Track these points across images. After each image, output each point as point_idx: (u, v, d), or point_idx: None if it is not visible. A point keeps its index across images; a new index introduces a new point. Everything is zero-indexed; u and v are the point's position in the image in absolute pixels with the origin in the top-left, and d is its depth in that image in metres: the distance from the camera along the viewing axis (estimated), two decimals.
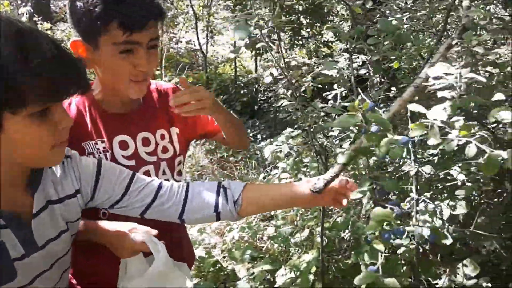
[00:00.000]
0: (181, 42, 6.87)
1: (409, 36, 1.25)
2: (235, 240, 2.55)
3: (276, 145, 2.13)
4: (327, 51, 5.32)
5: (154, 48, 1.07)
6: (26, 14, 4.64)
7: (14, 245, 0.86)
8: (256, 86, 5.98)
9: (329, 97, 1.80)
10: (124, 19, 0.99)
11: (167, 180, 1.19)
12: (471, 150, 0.79)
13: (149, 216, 1.04)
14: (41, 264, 0.93)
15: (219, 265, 2.24)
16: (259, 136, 4.74)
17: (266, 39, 1.39)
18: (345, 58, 1.99)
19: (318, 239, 1.87)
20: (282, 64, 1.53)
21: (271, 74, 1.47)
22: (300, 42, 5.18)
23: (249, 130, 4.91)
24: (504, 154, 0.70)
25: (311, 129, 1.45)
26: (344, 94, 1.79)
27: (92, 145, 1.16)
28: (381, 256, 1.07)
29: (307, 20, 5.05)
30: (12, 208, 0.85)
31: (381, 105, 1.91)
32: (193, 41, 6.69)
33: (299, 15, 4.86)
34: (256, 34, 1.30)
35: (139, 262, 1.06)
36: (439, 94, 0.90)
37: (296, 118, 1.67)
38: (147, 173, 1.18)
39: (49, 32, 5.50)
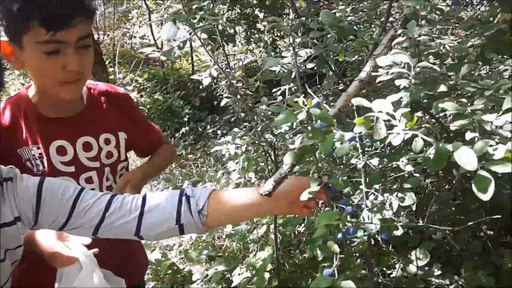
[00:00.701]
0: (135, 37, 6.68)
1: (352, 28, 1.23)
2: (193, 240, 2.50)
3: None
4: (284, 44, 5.32)
5: (86, 48, 0.99)
6: None
7: None
8: (215, 81, 5.91)
9: (278, 93, 1.77)
10: (45, 17, 0.91)
11: (110, 186, 1.17)
12: (418, 144, 0.77)
13: (103, 235, 0.92)
14: None
15: (176, 267, 2.19)
16: (219, 132, 4.68)
17: (202, 39, 1.36)
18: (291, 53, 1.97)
19: (273, 236, 1.85)
20: (225, 62, 1.50)
21: (210, 75, 1.42)
22: (257, 35, 5.14)
23: (208, 126, 4.84)
24: (451, 147, 0.68)
25: (258, 128, 1.42)
26: (293, 90, 1.77)
27: (27, 151, 1.09)
28: (335, 257, 1.04)
29: (263, 13, 5.02)
30: None
31: (332, 100, 1.90)
32: (148, 36, 6.52)
33: (254, 8, 4.82)
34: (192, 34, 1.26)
35: (73, 268, 1.01)
36: (397, 82, 0.88)
37: (241, 117, 1.64)
38: (89, 180, 1.13)
39: None
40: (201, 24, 1.33)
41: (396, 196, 1.40)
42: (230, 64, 1.57)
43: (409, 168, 1.43)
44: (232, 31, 5.08)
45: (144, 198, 0.92)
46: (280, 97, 1.63)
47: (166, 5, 5.86)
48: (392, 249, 1.77)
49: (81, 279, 0.98)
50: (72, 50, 0.96)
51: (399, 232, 1.40)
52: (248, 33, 5.01)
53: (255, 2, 4.84)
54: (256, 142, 1.47)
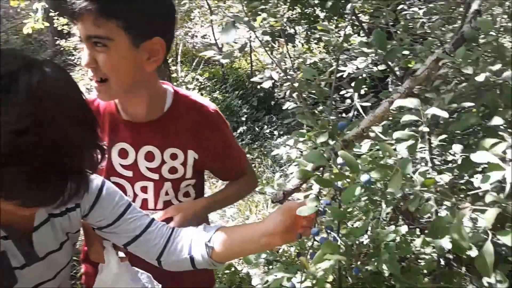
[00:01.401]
0: (196, 36, 6.81)
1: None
2: None
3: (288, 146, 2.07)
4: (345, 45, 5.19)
5: (102, 47, 0.95)
6: (41, 9, 4.63)
7: (16, 255, 0.89)
8: (273, 81, 5.90)
9: (347, 95, 1.72)
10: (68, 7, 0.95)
11: (169, 201, 1.16)
12: None
13: (132, 248, 1.01)
14: (44, 273, 0.96)
15: (234, 268, 2.20)
16: (276, 132, 4.66)
17: (264, 41, 1.32)
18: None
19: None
20: (289, 64, 1.46)
21: (271, 77, 1.39)
22: (317, 36, 5.06)
23: (265, 126, 4.83)
24: None
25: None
26: (363, 92, 1.71)
27: None
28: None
29: (324, 13, 4.93)
30: (13, 221, 0.86)
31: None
32: (209, 36, 6.63)
33: (315, 8, 4.74)
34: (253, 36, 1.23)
35: (108, 266, 1.07)
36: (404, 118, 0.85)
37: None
38: (144, 189, 1.13)
39: (65, 27, 5.52)
40: (261, 25, 1.30)
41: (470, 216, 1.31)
42: (293, 66, 1.53)
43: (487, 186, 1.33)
44: (292, 31, 5.04)
45: (172, 229, 1.02)
46: (349, 101, 1.57)
47: (227, 5, 5.92)
48: (465, 271, 1.66)
49: (116, 276, 1.04)
50: (85, 45, 0.96)
51: (473, 253, 1.31)
52: (309, 33, 4.93)
53: (316, 1, 4.77)
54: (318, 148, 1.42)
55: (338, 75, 1.63)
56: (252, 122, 5.06)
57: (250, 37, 1.31)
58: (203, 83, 5.50)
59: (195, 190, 1.20)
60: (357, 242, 2.04)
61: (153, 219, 1.02)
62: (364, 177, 0.85)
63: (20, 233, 0.89)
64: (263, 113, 5.25)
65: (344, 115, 2.15)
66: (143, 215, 1.02)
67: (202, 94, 5.70)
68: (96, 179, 0.98)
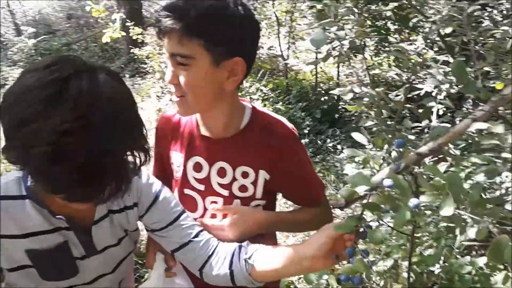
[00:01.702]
0: (262, 48, 6.88)
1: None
2: None
3: (359, 162, 1.98)
4: (417, 59, 4.99)
5: (183, 66, 0.97)
6: (119, 19, 4.91)
7: (76, 246, 0.96)
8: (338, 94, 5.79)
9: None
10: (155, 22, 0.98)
11: None
12: None
13: (179, 255, 1.04)
14: (103, 266, 1.02)
15: (293, 286, 2.15)
16: (339, 146, 4.55)
17: (346, 51, 1.27)
18: (444, 70, 1.79)
19: (404, 274, 1.69)
20: (366, 77, 1.40)
21: (352, 91, 1.33)
22: (387, 49, 4.90)
23: (328, 140, 4.73)
24: None
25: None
26: (442, 112, 1.60)
27: (175, 155, 1.18)
28: None
29: (395, 26, 4.77)
30: (76, 214, 0.93)
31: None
32: (275, 47, 6.67)
33: (386, 20, 4.60)
34: (337, 45, 1.19)
35: (151, 276, 1.12)
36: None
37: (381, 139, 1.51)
38: (214, 204, 1.13)
39: (139, 36, 5.81)
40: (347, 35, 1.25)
41: None
42: (370, 80, 1.46)
43: None
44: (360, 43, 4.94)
45: (218, 243, 1.04)
46: (426, 121, 1.48)
47: (294, 17, 5.93)
48: None
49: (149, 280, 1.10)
50: (170, 62, 0.99)
51: None
52: (379, 45, 4.80)
53: (388, 14, 4.64)
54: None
55: (416, 92, 1.54)
56: (314, 134, 4.98)
57: (332, 47, 1.26)
58: (266, 94, 5.51)
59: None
60: (426, 270, 1.93)
61: (202, 230, 1.05)
62: (413, 201, 0.79)
63: (81, 226, 0.95)
64: (327, 126, 5.15)
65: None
66: (194, 225, 1.05)
67: (265, 105, 5.73)
68: (156, 184, 1.04)
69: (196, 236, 1.03)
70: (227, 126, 1.10)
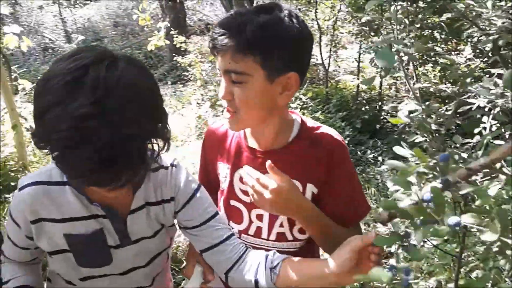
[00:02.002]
0: None
1: None
2: None
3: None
4: (463, 69, 4.81)
5: (237, 83, 0.97)
6: (164, 28, 5.04)
7: (112, 234, 0.98)
8: (380, 104, 5.66)
9: (475, 131, 1.54)
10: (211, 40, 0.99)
11: (283, 234, 1.12)
12: None
13: (208, 256, 1.05)
14: (136, 258, 1.03)
15: None
16: (380, 158, 4.44)
17: (403, 67, 1.22)
18: (495, 82, 1.71)
19: None
20: (416, 93, 1.34)
21: (395, 108, 1.28)
22: (433, 59, 4.76)
23: (369, 151, 4.63)
24: None
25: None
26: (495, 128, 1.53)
27: (222, 166, 1.18)
28: None
29: (442, 35, 4.62)
30: (113, 202, 0.95)
31: None
32: (315, 55, 6.63)
33: (433, 30, 4.47)
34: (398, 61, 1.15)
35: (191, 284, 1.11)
36: None
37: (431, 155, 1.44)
38: (260, 217, 1.12)
39: (183, 44, 5.94)
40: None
41: None
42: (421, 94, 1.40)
43: None
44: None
45: (246, 249, 1.04)
46: (478, 137, 1.41)
47: (337, 26, 5.87)
48: None
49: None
50: (223, 78, 0.99)
51: None
52: (424, 55, 4.66)
53: (434, 22, 4.50)
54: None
55: (467, 107, 1.47)
56: (354, 145, 4.88)
57: (403, 62, 1.23)
58: (306, 103, 5.48)
59: None
60: None
61: (232, 234, 1.05)
62: (452, 220, 0.74)
63: (117, 214, 0.97)
64: (367, 137, 5.05)
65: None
66: (226, 227, 1.05)
67: (304, 114, 5.69)
68: (194, 182, 1.05)
69: (227, 239, 1.04)
70: (275, 138, 1.09)
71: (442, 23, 4.06)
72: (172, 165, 1.03)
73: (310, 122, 1.13)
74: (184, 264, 2.50)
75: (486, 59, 4.72)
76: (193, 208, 1.03)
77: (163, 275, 1.16)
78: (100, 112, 0.72)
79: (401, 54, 1.30)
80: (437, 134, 1.44)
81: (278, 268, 0.98)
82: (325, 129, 1.12)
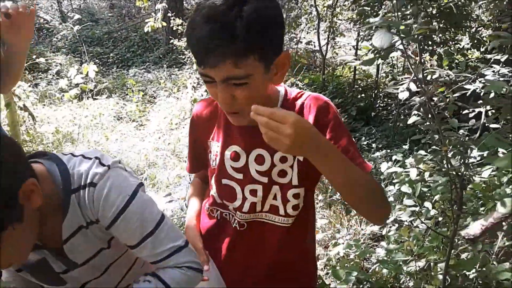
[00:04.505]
0: (301, 42, 6.83)
1: None
2: (339, 256, 2.41)
3: (400, 166, 1.94)
4: (460, 58, 4.81)
5: (238, 86, 0.92)
6: (161, 10, 4.99)
7: (55, 262, 0.95)
8: (375, 92, 5.67)
9: (471, 115, 1.56)
10: (193, 53, 0.91)
11: (276, 207, 1.11)
12: None
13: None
14: (90, 273, 1.01)
15: (322, 281, 2.12)
16: (374, 145, 4.45)
17: (405, 48, 1.22)
18: (493, 70, 1.72)
19: (439, 276, 1.64)
20: (419, 76, 1.34)
21: (408, 89, 1.27)
22: (430, 48, 4.76)
23: (363, 138, 4.64)
24: None
25: (449, 154, 1.24)
26: (490, 114, 1.54)
27: (213, 145, 1.16)
28: None
29: (440, 25, 4.62)
30: (44, 236, 0.91)
31: None
32: (314, 42, 6.60)
33: (431, 19, 4.45)
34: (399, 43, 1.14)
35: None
36: None
37: (430, 139, 1.45)
38: (253, 192, 1.10)
39: (179, 27, 5.89)
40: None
41: None
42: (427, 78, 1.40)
43: None
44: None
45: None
46: (473, 121, 1.42)
47: (336, 12, 5.84)
48: None
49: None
50: (220, 86, 0.92)
51: None
52: (422, 44, 4.65)
53: (434, 12, 4.49)
54: (443, 169, 1.27)
55: (463, 92, 1.48)
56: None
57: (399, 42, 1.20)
58: (302, 89, 5.46)
59: (305, 204, 1.13)
60: (458, 274, 1.86)
61: (178, 249, 0.99)
62: None
63: (52, 246, 0.94)
64: (362, 124, 5.06)
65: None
66: (168, 245, 0.98)
67: None
68: (121, 197, 0.92)
69: (168, 257, 0.98)
70: None
71: (440, 9, 4.05)
72: (90, 184, 0.89)
73: (294, 92, 1.09)
74: None
75: (482, 49, 4.73)
76: (119, 229, 0.93)
77: (137, 268, 1.12)
78: None
79: (402, 35, 1.30)
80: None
81: None
82: (307, 94, 1.07)
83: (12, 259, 0.84)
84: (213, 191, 1.18)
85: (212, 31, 0.85)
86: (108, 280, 1.05)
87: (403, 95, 1.25)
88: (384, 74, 5.92)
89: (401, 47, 1.15)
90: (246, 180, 1.10)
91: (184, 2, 8.79)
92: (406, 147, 3.89)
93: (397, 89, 1.27)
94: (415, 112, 1.34)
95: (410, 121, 1.40)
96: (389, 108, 5.42)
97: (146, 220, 0.94)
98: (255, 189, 1.10)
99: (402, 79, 1.28)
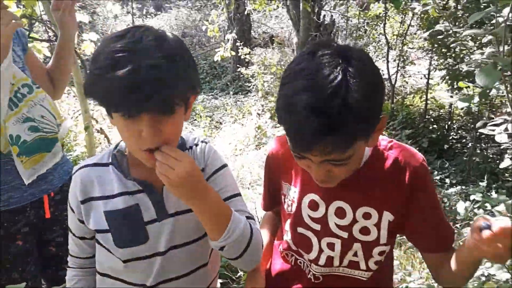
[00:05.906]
0: None
1: None
2: None
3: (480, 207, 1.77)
4: None
5: (340, 165, 0.88)
6: (231, 39, 5.13)
7: (148, 208, 0.99)
8: (449, 123, 5.36)
9: None
10: (288, 135, 0.89)
11: (357, 263, 1.04)
12: None
13: None
14: (175, 235, 1.00)
15: None
16: (447, 180, 4.17)
17: (506, 86, 1.11)
18: None
19: None
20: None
21: (506, 129, 1.15)
22: None
23: (435, 172, 4.37)
24: None
25: None
26: None
27: (287, 187, 1.11)
28: None
29: None
30: (148, 177, 0.98)
31: None
32: (382, 71, 6.43)
33: None
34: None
35: None
36: None
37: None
38: (331, 246, 1.03)
39: (247, 56, 6.02)
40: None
41: None
42: None
43: None
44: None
45: None
46: None
47: (406, 41, 5.67)
48: None
49: None
50: (317, 165, 0.89)
51: None
52: None
53: None
54: None
55: None
56: None
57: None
58: None
59: (386, 261, 1.07)
60: None
61: (250, 218, 1.04)
62: None
63: (153, 187, 0.99)
64: (434, 157, 4.77)
65: None
66: (244, 210, 1.04)
67: None
68: (220, 160, 1.07)
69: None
70: None
71: None
72: (203, 141, 1.07)
73: (384, 140, 1.02)
74: (239, 274, 2.47)
75: None
76: (215, 182, 1.03)
77: (206, 270, 1.09)
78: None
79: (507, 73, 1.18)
80: None
81: None
82: (401, 147, 1.00)
83: None
84: (287, 237, 1.12)
85: (317, 125, 0.76)
86: (185, 263, 1.04)
87: (500, 138, 1.13)
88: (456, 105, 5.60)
89: (502, 87, 1.05)
90: (323, 232, 1.03)
91: (252, 32, 9.02)
92: (483, 184, 3.60)
93: (493, 130, 1.16)
94: (510, 156, 1.21)
95: (503, 164, 1.27)
96: (464, 141, 5.09)
97: (235, 184, 1.07)
98: (332, 243, 1.03)
99: (496, 115, 1.17)
